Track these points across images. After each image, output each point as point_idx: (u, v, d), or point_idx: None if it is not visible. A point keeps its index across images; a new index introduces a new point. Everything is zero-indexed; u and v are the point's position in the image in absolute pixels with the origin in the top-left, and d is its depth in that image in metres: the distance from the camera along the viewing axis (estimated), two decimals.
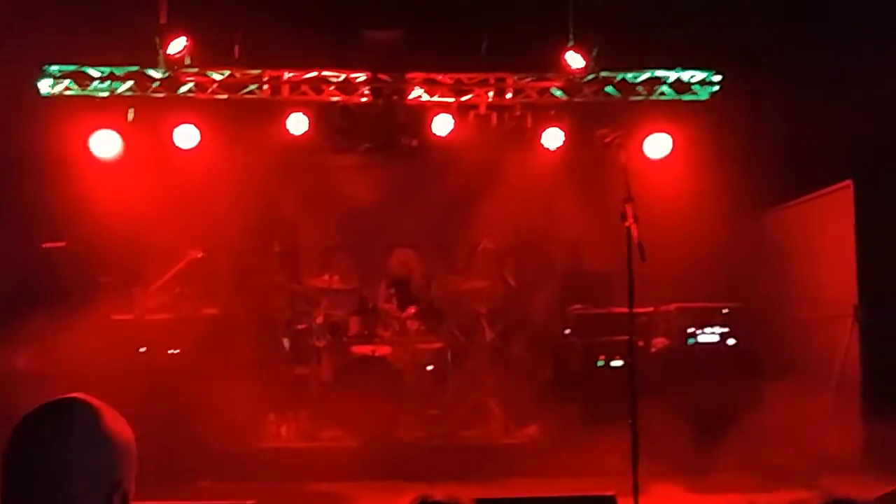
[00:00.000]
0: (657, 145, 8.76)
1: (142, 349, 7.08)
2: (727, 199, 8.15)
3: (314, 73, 8.85)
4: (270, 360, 7.93)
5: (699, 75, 8.95)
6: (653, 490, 6.07)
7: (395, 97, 8.96)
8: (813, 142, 7.84)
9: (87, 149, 8.37)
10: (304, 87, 8.89)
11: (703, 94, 8.96)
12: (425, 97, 9.02)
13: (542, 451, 7.05)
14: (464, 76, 8.99)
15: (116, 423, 1.67)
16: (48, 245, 7.53)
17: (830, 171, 7.67)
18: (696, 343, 7.40)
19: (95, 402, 1.67)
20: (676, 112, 8.86)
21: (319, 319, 7.78)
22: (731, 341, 7.41)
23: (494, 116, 9.23)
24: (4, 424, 1.69)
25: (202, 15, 8.39)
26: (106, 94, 8.59)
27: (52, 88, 8.53)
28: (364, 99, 8.97)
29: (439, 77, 8.99)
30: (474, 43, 8.89)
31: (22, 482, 1.58)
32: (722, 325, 7.40)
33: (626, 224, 5.30)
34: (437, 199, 9.31)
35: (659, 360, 7.22)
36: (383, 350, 7.63)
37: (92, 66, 8.54)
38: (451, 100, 9.00)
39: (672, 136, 8.76)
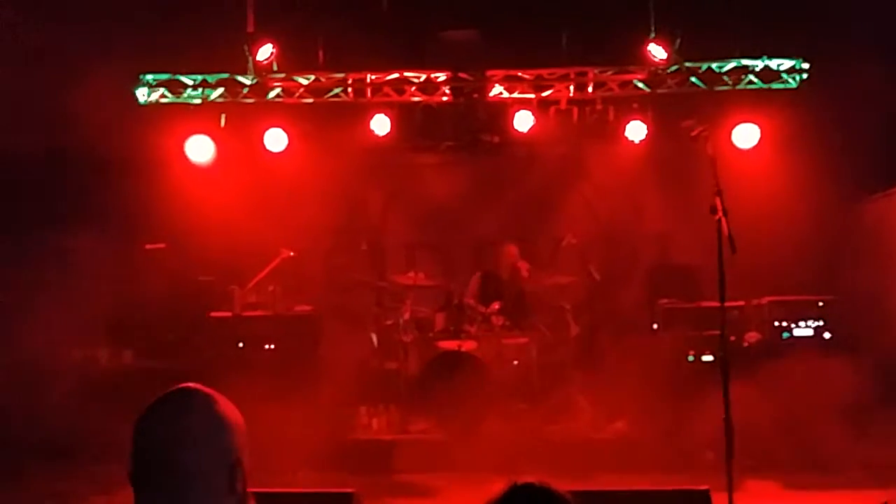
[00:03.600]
0: (745, 135, 8.56)
1: (240, 345, 7.35)
2: (821, 189, 7.89)
3: (396, 75, 9.00)
4: (360, 355, 8.13)
5: (787, 63, 8.70)
6: (748, 486, 5.96)
7: (475, 95, 9.02)
8: None
9: (183, 154, 8.72)
10: (386, 89, 9.06)
11: (793, 82, 8.71)
12: (505, 94, 9.06)
13: (631, 446, 7.00)
14: (544, 71, 8.98)
15: (229, 409, 1.80)
16: (150, 246, 7.88)
17: None
18: (791, 337, 7.21)
19: (210, 390, 1.80)
20: (764, 101, 8.64)
21: (406, 315, 7.92)
22: (826, 335, 7.19)
23: (576, 111, 9.19)
24: (115, 412, 1.82)
25: (287, 22, 8.64)
26: (199, 100, 8.94)
27: (149, 96, 8.92)
28: (445, 98, 9.07)
29: (519, 73, 9.00)
30: (553, 38, 8.86)
31: (148, 465, 1.72)
32: (817, 319, 7.19)
33: (717, 217, 5.20)
34: (519, 195, 9.34)
35: (752, 354, 7.05)
36: (469, 345, 7.70)
37: (185, 74, 8.90)
38: (532, 96, 9.00)
39: (760, 126, 8.55)
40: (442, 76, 8.97)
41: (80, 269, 7.28)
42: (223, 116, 8.89)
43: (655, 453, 6.62)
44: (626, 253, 9.00)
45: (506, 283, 8.40)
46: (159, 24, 8.20)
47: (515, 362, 7.92)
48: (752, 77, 8.76)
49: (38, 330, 6.82)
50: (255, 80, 8.88)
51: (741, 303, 7.29)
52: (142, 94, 8.88)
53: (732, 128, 8.58)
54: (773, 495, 6.24)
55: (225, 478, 1.73)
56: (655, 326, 7.65)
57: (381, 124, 8.83)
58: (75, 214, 8.11)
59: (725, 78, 8.80)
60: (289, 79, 8.96)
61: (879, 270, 8.18)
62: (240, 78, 8.90)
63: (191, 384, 1.80)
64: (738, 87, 8.78)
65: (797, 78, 8.71)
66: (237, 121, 8.91)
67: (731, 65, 8.77)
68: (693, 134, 5.70)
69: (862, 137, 7.81)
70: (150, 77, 8.90)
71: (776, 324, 7.22)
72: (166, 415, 1.75)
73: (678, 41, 8.58)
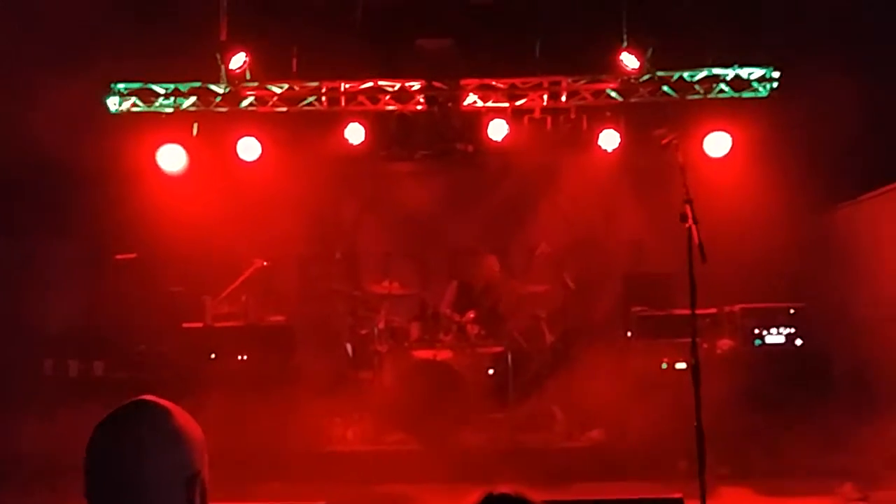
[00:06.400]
0: (716, 144, 8.65)
1: (212, 356, 7.28)
2: (790, 197, 7.99)
3: (370, 84, 8.98)
4: (335, 365, 8.08)
5: (758, 72, 8.80)
6: (721, 493, 6.00)
7: (449, 104, 9.03)
8: (878, 137, 7.64)
9: (155, 163, 8.64)
10: (360, 98, 9.03)
11: (763, 90, 8.81)
12: (480, 103, 9.06)
13: (605, 455, 7.02)
14: (518, 80, 9.00)
15: (186, 421, 1.74)
16: (120, 257, 7.79)
17: None
18: (763, 344, 7.28)
19: (164, 402, 1.75)
20: (735, 110, 8.73)
21: (381, 325, 7.89)
22: (798, 342, 7.27)
23: (549, 120, 9.25)
24: (85, 428, 1.77)
25: (260, 31, 8.59)
26: (171, 109, 8.86)
27: (120, 105, 8.83)
28: (419, 107, 9.07)
29: (493, 82, 9.02)
30: (527, 47, 8.90)
31: (102, 482, 1.67)
32: (789, 326, 7.26)
33: (687, 225, 5.24)
34: (494, 204, 9.37)
35: (724, 361, 7.11)
36: (444, 354, 7.69)
37: (157, 83, 8.82)
38: (506, 104, 9.02)
39: (731, 135, 8.64)
40: (416, 85, 8.96)
41: (50, 280, 7.18)
42: (195, 125, 8.81)
43: (630, 462, 6.65)
44: (600, 261, 9.04)
45: (480, 293, 8.41)
46: (130, 33, 8.13)
47: (490, 371, 7.92)
48: (723, 86, 8.85)
49: (8, 341, 6.72)
50: (227, 89, 8.81)
51: (713, 310, 7.35)
52: (113, 102, 8.79)
53: (704, 136, 8.66)
54: (746, 502, 6.29)
55: (182, 492, 1.67)
56: (629, 334, 7.69)
57: (355, 133, 8.81)
58: (45, 224, 8.01)
59: (697, 87, 8.87)
60: (262, 87, 8.90)
61: (849, 277, 8.29)
62: (212, 87, 8.83)
63: (146, 396, 1.74)
64: (710, 95, 8.86)
65: (767, 87, 8.81)
66: (210, 130, 8.84)
67: (703, 74, 8.86)
68: (664, 142, 5.75)
69: (831, 146, 7.91)
70: (121, 86, 8.80)
71: (748, 331, 7.28)
72: (119, 428, 1.69)
73: (650, 50, 8.65)
